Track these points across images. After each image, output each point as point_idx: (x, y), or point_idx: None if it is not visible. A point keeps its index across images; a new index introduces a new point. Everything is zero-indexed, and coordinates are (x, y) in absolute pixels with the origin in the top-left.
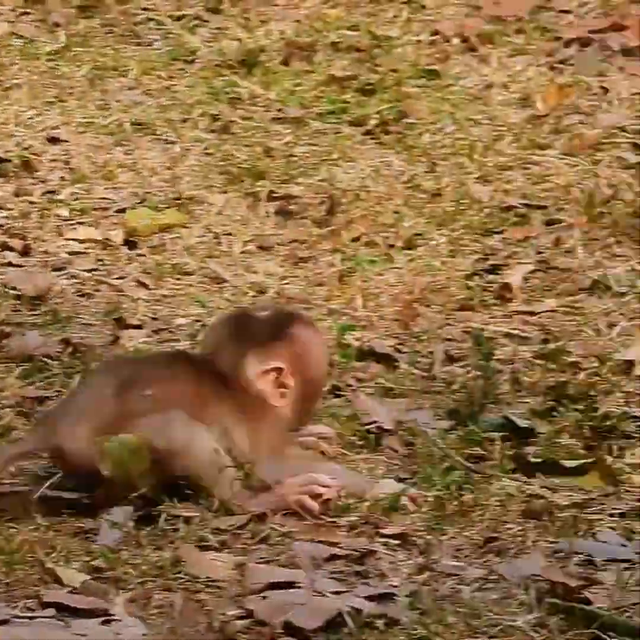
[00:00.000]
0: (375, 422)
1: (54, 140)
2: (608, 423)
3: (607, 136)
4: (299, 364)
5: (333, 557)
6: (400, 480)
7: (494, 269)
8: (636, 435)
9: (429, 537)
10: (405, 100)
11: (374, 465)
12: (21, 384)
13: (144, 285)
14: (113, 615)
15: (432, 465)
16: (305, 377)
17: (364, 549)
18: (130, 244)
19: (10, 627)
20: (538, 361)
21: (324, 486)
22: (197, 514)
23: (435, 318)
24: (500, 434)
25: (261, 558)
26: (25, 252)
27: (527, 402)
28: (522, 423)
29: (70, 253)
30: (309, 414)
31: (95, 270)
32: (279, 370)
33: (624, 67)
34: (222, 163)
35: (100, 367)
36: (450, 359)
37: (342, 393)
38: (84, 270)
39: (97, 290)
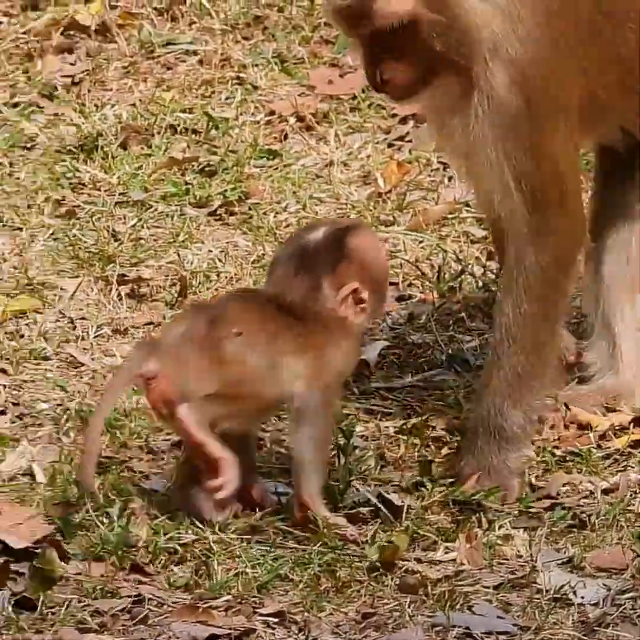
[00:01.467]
0: None
1: None
2: (476, 496)
3: (451, 211)
4: (368, 273)
5: (212, 637)
6: (275, 559)
7: None
8: (504, 507)
9: (307, 614)
10: (247, 181)
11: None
12: None
13: (3, 371)
14: None
15: (306, 543)
16: (375, 282)
17: (243, 627)
18: None
19: None
20: (401, 436)
21: None
22: (76, 597)
23: None
24: (368, 509)
25: (141, 639)
26: None
27: (393, 478)
28: (397, 501)
29: None
30: (382, 310)
31: None
32: (354, 290)
33: None
34: (70, 248)
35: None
36: None
37: None
38: None
39: None
